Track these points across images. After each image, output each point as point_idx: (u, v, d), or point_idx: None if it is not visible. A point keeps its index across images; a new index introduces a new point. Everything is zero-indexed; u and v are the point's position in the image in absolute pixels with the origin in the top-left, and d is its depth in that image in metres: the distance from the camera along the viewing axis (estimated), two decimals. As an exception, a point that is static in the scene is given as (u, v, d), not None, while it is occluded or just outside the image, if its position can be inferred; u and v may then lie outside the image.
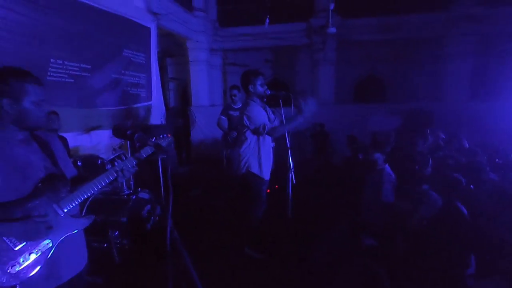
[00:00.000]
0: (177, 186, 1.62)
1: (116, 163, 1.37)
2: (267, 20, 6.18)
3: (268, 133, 2.60)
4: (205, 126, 7.29)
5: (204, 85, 8.10)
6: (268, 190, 2.94)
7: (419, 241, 2.35)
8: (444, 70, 7.63)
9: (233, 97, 4.25)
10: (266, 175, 2.67)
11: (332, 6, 6.51)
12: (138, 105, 4.90)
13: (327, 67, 7.94)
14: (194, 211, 3.90)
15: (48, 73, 3.40)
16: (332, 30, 6.68)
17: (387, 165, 2.96)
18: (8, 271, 1.10)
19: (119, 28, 4.33)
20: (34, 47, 3.18)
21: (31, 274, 1.14)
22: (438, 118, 6.41)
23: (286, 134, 2.62)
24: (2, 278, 1.09)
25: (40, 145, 1.29)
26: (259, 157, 2.62)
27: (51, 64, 3.40)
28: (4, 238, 1.10)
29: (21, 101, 1.18)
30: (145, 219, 3.16)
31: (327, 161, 6.11)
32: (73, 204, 1.25)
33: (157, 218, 3.25)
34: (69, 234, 1.24)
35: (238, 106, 4.20)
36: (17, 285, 1.12)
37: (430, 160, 2.78)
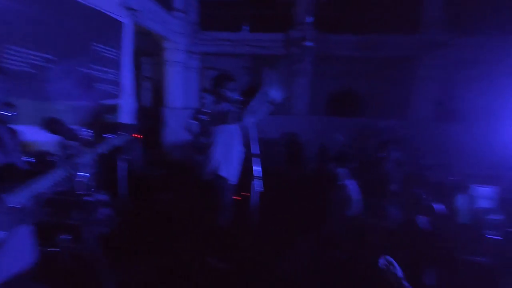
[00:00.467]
0: (144, 190, 1.51)
1: (69, 159, 1.30)
2: (245, 27, 6.20)
3: (248, 114, 2.36)
4: (178, 129, 7.09)
5: (179, 87, 7.93)
6: (239, 198, 2.86)
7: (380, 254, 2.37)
8: (414, 90, 8.05)
9: (204, 98, 4.13)
10: (233, 179, 2.61)
11: (309, 19, 6.67)
12: (106, 101, 4.65)
13: (303, 79, 8.10)
14: (160, 217, 3.73)
15: (4, 60, 3.13)
16: (309, 43, 6.83)
17: (351, 180, 2.99)
18: None
19: (90, 20, 4.12)
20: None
21: None
22: (405, 136, 6.70)
23: (252, 142, 2.56)
24: None
25: None
26: (226, 160, 2.58)
27: (8, 51, 3.14)
28: None
29: None
30: (101, 222, 2.96)
31: (298, 171, 6.15)
32: (16, 199, 1.14)
33: (113, 222, 3.06)
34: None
35: (209, 110, 4.09)
36: None
37: (395, 176, 2.86)
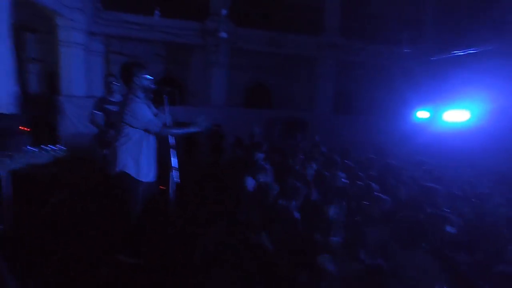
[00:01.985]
0: (35, 188, 1.30)
1: None
2: (157, 12, 5.84)
3: (154, 133, 2.43)
4: (78, 120, 6.23)
5: (80, 72, 6.96)
6: (162, 187, 2.76)
7: (288, 236, 2.65)
8: (315, 86, 9.10)
9: (110, 86, 3.69)
10: (146, 177, 2.46)
11: (224, 12, 6.74)
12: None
13: (220, 71, 8.16)
14: (57, 217, 3.27)
15: None
16: (223, 34, 6.92)
17: (266, 164, 3.26)
18: None
19: None
20: None
21: None
22: (310, 126, 7.56)
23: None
24: None
25: None
26: (137, 158, 2.40)
27: None
28: None
29: None
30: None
31: (217, 161, 6.24)
32: None
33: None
34: None
35: (117, 100, 3.72)
36: None
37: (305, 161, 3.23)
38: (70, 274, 2.34)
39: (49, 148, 1.32)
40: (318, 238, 2.44)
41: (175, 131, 2.60)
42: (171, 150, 2.65)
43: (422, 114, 7.58)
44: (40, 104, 6.96)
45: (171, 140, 2.64)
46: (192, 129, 2.55)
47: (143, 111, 2.41)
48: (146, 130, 2.41)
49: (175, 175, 2.58)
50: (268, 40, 8.25)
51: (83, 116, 6.06)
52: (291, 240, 2.39)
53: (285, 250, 2.31)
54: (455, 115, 6.74)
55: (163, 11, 6.59)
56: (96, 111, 3.62)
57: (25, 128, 4.31)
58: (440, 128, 6.88)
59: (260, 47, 8.31)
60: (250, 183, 3.12)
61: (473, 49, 7.26)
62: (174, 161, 2.65)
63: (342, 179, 3.22)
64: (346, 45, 8.67)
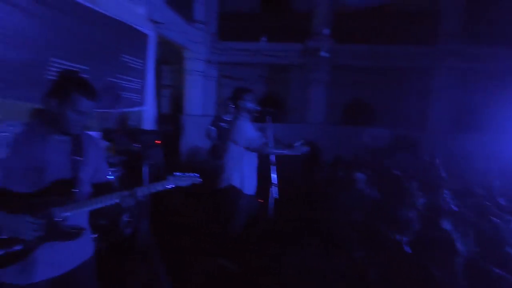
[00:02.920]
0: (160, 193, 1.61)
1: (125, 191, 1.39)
2: (264, 38, 6.40)
3: (255, 150, 2.66)
4: (195, 136, 7.33)
5: (198, 95, 8.20)
6: (260, 200, 2.97)
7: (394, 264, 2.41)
8: (430, 101, 7.99)
9: (226, 108, 4.31)
10: (248, 189, 2.69)
11: (326, 31, 6.81)
12: (131, 109, 4.92)
13: (319, 88, 8.19)
14: (174, 218, 3.89)
15: (48, 72, 3.40)
16: (325, 54, 6.95)
17: (368, 185, 3.07)
18: None
19: (119, 34, 4.41)
20: (35, 46, 3.21)
21: (6, 266, 1.17)
22: (420, 146, 6.66)
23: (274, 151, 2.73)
24: None
25: (74, 147, 1.34)
26: (241, 171, 2.64)
27: (52, 64, 3.41)
28: None
29: (66, 106, 1.24)
30: (123, 224, 3.14)
31: (313, 178, 6.20)
32: (73, 213, 1.28)
33: (133, 224, 3.23)
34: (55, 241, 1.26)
35: (229, 119, 4.28)
36: None
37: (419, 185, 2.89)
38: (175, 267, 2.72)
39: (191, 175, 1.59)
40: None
41: (273, 151, 2.75)
42: (271, 166, 2.82)
43: None
44: (168, 122, 8.53)
45: (272, 158, 2.82)
46: (290, 152, 2.65)
47: (246, 129, 2.66)
48: (247, 147, 2.66)
49: (274, 191, 2.74)
50: (371, 54, 7.84)
51: (199, 132, 7.12)
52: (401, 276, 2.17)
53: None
54: None
55: (269, 36, 7.17)
56: (211, 127, 4.31)
57: (159, 142, 5.37)
58: None
59: (362, 62, 7.97)
60: (350, 205, 2.99)
61: None
62: (274, 177, 2.83)
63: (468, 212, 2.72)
64: (471, 52, 7.37)
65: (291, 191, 4.52)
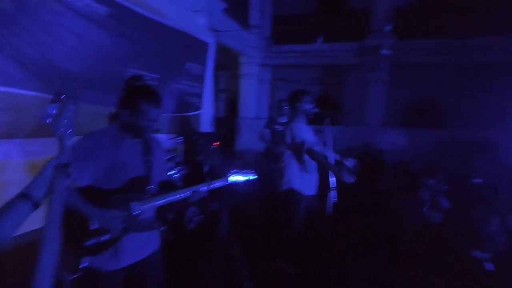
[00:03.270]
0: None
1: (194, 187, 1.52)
2: (320, 39, 6.26)
3: (306, 152, 2.62)
4: (249, 138, 7.51)
5: (253, 98, 8.40)
6: (315, 206, 2.92)
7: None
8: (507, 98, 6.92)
9: (281, 110, 4.30)
10: (308, 191, 2.69)
11: (388, 28, 6.39)
12: (192, 113, 5.28)
13: (379, 88, 7.72)
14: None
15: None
16: (387, 51, 6.52)
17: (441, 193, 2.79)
18: (82, 244, 1.31)
19: (184, 44, 4.78)
20: (116, 58, 3.66)
21: (97, 254, 1.35)
22: (504, 149, 5.80)
23: (332, 154, 2.66)
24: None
25: (144, 149, 1.51)
26: (301, 173, 2.65)
27: (128, 74, 3.86)
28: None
29: (137, 116, 1.39)
30: (188, 219, 3.37)
31: (373, 185, 5.85)
32: (149, 206, 1.44)
33: (198, 220, 3.44)
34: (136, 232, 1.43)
35: (284, 121, 4.29)
36: (87, 258, 1.34)
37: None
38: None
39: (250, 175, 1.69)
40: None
41: (317, 157, 2.61)
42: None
43: None
44: (224, 125, 8.90)
45: (331, 161, 2.75)
46: (334, 170, 2.57)
47: (301, 131, 2.65)
48: (295, 149, 2.62)
49: (332, 195, 2.67)
50: (440, 49, 7.13)
51: (253, 135, 7.28)
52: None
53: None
54: None
55: (325, 37, 7.02)
56: (266, 130, 4.35)
57: (216, 143, 5.65)
58: None
59: (428, 58, 7.28)
60: (416, 216, 2.76)
61: None
62: (332, 181, 2.75)
63: None
64: None
65: (349, 197, 4.34)
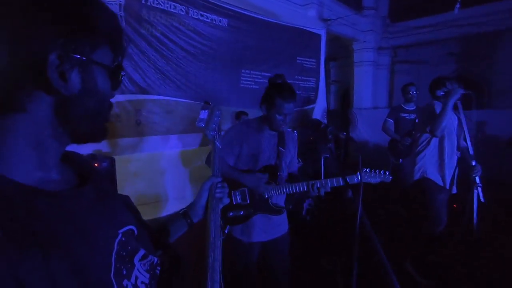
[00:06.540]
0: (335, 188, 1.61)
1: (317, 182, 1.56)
2: (458, 5, 5.09)
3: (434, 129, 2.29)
4: (365, 130, 7.01)
5: (368, 86, 7.79)
6: (455, 206, 2.55)
7: None
8: None
9: (409, 95, 3.71)
10: (447, 184, 2.35)
11: None
12: (307, 107, 5.37)
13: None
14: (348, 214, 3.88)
15: (241, 82, 4.30)
16: None
17: None
18: (226, 215, 1.60)
19: (294, 38, 4.88)
20: (233, 61, 4.13)
21: (234, 224, 1.63)
22: None
23: (470, 143, 2.23)
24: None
25: (279, 140, 1.70)
26: (440, 163, 2.37)
27: (242, 74, 4.29)
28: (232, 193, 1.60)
29: (273, 110, 1.57)
30: (306, 211, 3.49)
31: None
32: (276, 193, 1.62)
33: (314, 212, 3.51)
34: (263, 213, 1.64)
35: (412, 108, 3.80)
36: (227, 227, 1.62)
37: None
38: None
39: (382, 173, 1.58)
40: None
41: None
42: (474, 163, 2.30)
43: None
44: (336, 117, 8.60)
45: (471, 151, 2.30)
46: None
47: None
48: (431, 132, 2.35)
49: (480, 194, 2.21)
50: None
51: (369, 126, 6.76)
52: None
53: None
54: None
55: (462, 2, 5.69)
56: (389, 119, 3.90)
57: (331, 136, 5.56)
58: None
59: None
60: None
61: None
62: (477, 178, 2.28)
63: None
64: None
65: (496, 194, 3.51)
